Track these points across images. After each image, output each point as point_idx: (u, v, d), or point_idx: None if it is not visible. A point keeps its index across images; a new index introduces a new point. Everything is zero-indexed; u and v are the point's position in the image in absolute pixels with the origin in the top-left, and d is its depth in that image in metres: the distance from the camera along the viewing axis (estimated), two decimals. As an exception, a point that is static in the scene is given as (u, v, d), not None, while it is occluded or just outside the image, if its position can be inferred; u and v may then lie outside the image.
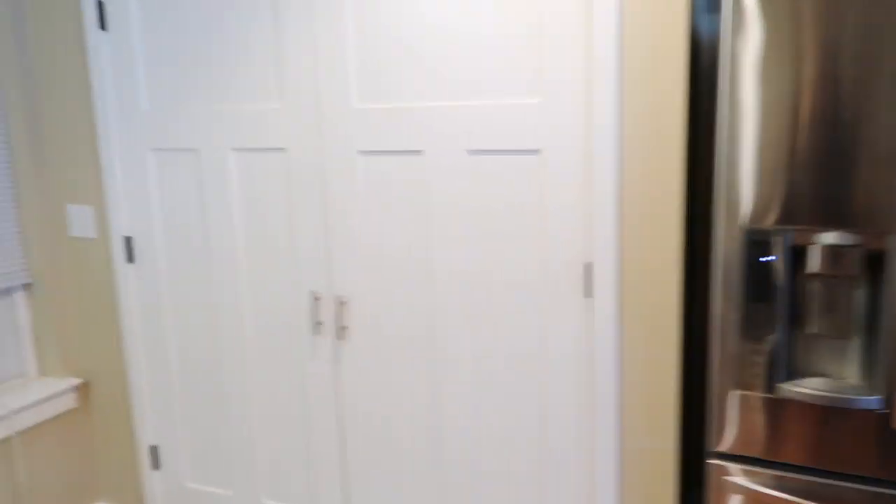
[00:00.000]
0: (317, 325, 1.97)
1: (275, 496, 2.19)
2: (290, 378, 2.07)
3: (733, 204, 1.37)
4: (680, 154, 1.52)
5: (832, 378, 1.38)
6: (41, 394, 2.28)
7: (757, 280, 1.39)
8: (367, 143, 1.81)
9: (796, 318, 1.38)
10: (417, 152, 1.76)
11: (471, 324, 1.80)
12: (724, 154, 1.36)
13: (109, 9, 2.07)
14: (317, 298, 1.96)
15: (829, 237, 1.31)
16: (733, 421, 1.45)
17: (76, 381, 2.39)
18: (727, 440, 1.47)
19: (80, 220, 2.28)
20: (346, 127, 1.82)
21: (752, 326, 1.41)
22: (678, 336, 1.62)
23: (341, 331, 1.94)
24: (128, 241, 2.22)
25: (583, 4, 1.53)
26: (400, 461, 1.97)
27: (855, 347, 1.36)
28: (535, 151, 1.63)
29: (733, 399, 1.44)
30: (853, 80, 1.23)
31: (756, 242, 1.37)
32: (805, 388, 1.36)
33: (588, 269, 1.64)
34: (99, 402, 2.42)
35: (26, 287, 2.37)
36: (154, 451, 2.35)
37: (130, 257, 2.23)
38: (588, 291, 1.65)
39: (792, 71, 1.27)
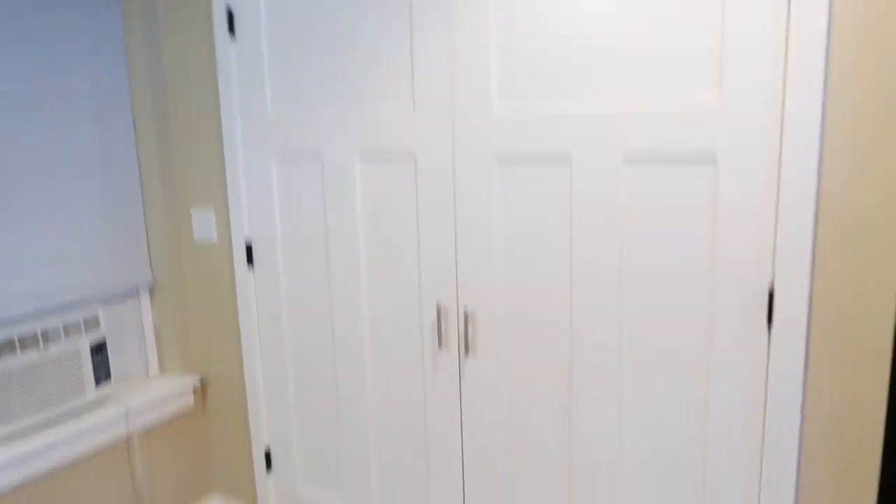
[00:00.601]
0: (441, 339, 1.87)
1: (388, 510, 2.12)
2: (409, 392, 1.99)
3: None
4: None
5: None
6: (161, 393, 2.29)
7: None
8: (506, 148, 1.68)
9: None
10: (563, 158, 1.62)
11: (616, 353, 1.65)
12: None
13: (238, 14, 2.03)
14: (442, 311, 1.86)
15: None
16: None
17: (195, 381, 2.40)
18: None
19: (204, 224, 2.27)
20: (483, 130, 1.71)
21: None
22: (888, 388, 1.37)
23: (467, 346, 1.84)
24: (249, 247, 2.19)
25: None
26: (525, 488, 1.85)
27: None
28: (709, 158, 1.45)
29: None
30: None
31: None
32: None
33: (769, 296, 1.45)
34: (216, 403, 2.42)
35: (151, 288, 2.39)
36: (268, 453, 2.33)
37: (251, 262, 2.20)
38: (767, 321, 1.46)
39: None
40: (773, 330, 1.45)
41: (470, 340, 1.84)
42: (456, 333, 1.86)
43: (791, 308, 1.42)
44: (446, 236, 1.82)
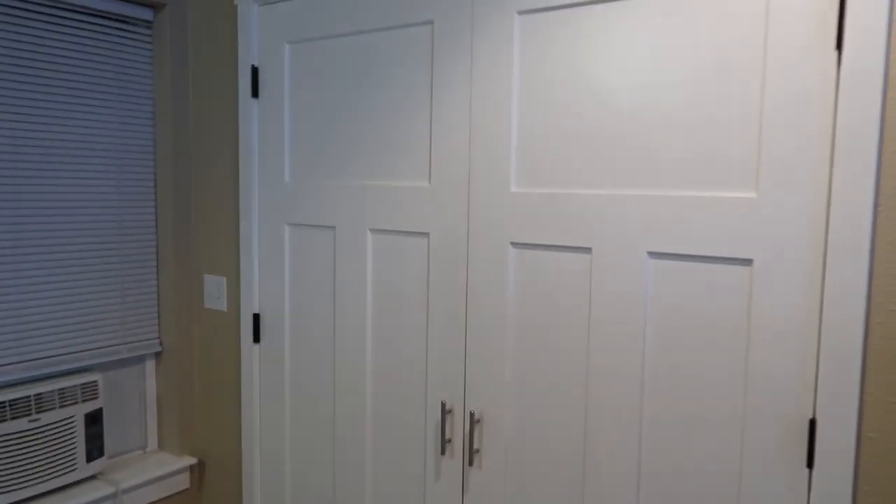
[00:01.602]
0: (445, 442, 1.66)
1: None
2: (410, 496, 1.76)
3: None
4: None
5: None
6: (155, 475, 2.14)
7: None
8: (523, 235, 1.51)
9: None
10: (582, 250, 1.43)
11: (636, 476, 1.39)
12: None
13: (263, 76, 1.98)
14: (448, 411, 1.66)
15: None
16: None
17: (191, 460, 2.24)
18: None
19: (215, 292, 2.17)
20: (499, 214, 1.54)
21: None
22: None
23: (472, 453, 1.61)
24: (256, 319, 2.06)
25: (823, 64, 1.15)
26: None
27: None
28: (743, 261, 1.24)
29: None
30: None
31: None
32: None
33: (809, 428, 1.20)
34: (211, 487, 2.24)
35: (157, 356, 2.28)
36: (259, 552, 2.12)
37: (257, 336, 2.07)
38: (808, 459, 1.20)
39: None
40: (815, 471, 1.18)
41: (476, 448, 1.62)
42: (461, 438, 1.64)
43: (834, 448, 1.17)
44: (456, 324, 1.63)
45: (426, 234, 1.68)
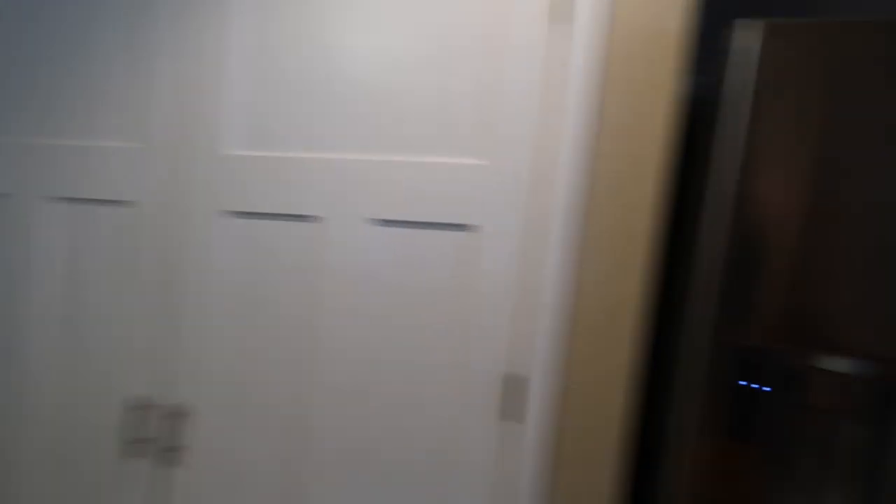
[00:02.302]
0: (137, 443, 1.43)
1: None
2: (93, 516, 1.49)
3: (711, 312, 1.09)
4: (646, 249, 1.23)
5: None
6: None
7: (737, 410, 1.10)
8: (241, 203, 1.39)
9: (785, 460, 1.09)
10: (306, 218, 1.36)
11: (355, 454, 1.35)
12: (706, 251, 1.09)
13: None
14: (147, 406, 1.44)
15: (834, 363, 1.05)
16: None
17: None
18: None
19: None
20: (214, 179, 1.40)
21: (728, 467, 1.10)
22: (621, 478, 1.26)
23: (173, 453, 1.42)
24: None
25: (546, 42, 1.24)
26: None
27: (857, 496, 1.08)
28: (472, 227, 1.27)
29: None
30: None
31: (739, 363, 1.09)
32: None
33: (513, 384, 1.28)
34: None
35: None
36: None
37: None
38: (509, 412, 1.27)
39: (800, 153, 1.04)
40: (525, 424, 1.27)
41: (181, 445, 1.43)
42: (164, 436, 1.44)
43: (539, 400, 1.26)
44: (162, 311, 1.43)
45: (128, 203, 1.46)
